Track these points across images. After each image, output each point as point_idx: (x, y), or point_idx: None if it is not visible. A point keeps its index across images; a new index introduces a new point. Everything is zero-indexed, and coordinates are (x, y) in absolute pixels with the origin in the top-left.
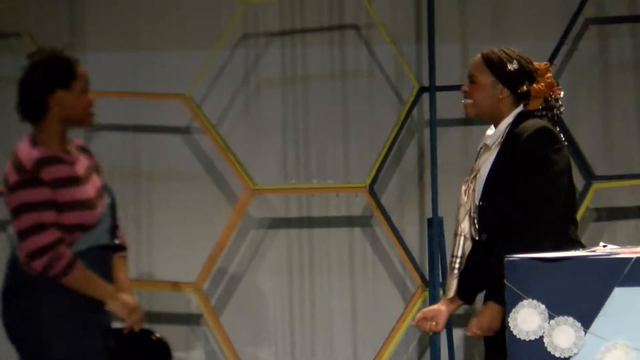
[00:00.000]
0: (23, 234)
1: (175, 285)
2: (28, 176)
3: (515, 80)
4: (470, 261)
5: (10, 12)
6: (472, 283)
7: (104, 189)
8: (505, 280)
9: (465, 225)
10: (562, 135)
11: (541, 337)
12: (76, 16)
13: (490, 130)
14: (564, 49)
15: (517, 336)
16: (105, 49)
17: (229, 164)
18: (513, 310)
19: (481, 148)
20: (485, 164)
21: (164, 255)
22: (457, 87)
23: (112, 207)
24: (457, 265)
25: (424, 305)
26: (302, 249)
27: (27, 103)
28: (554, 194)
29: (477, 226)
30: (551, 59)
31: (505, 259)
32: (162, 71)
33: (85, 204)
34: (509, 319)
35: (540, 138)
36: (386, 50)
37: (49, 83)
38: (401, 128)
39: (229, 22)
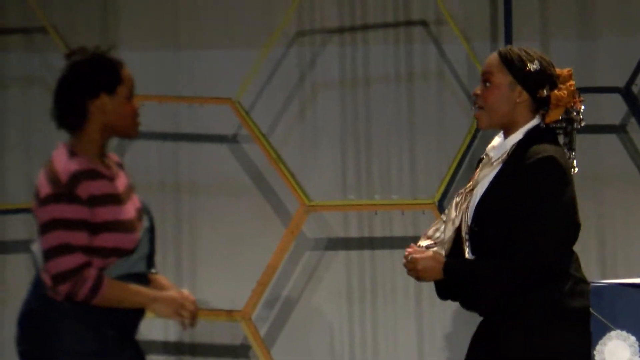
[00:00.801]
0: (48, 254)
1: (221, 314)
2: (62, 190)
3: (536, 82)
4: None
5: (36, 6)
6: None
7: (143, 211)
8: (590, 309)
9: (448, 241)
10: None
11: None
12: (109, 11)
13: (497, 141)
14: None
15: None
16: (141, 48)
17: (280, 177)
18: (600, 341)
19: (482, 159)
20: (483, 181)
21: (207, 279)
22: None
23: (151, 232)
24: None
25: None
26: (363, 273)
27: (65, 108)
28: (555, 228)
29: (469, 248)
30: None
31: (592, 284)
32: (205, 73)
33: (125, 226)
34: (595, 351)
35: (546, 168)
36: (458, 49)
37: (91, 86)
38: (474, 136)
39: (282, 17)
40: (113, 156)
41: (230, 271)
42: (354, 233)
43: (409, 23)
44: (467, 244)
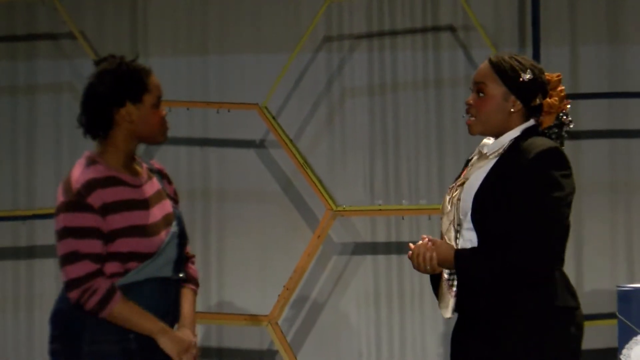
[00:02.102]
0: (61, 261)
1: (248, 318)
2: (74, 199)
3: (529, 92)
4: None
5: (65, 12)
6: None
7: (174, 217)
8: (617, 313)
9: (451, 236)
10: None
11: None
12: (138, 17)
13: (489, 140)
14: None
15: None
16: (169, 54)
17: (308, 183)
18: (626, 345)
19: (474, 156)
20: (477, 173)
21: (235, 284)
22: (566, 97)
23: (180, 237)
24: (455, 283)
25: None
26: (391, 278)
27: (91, 116)
28: (558, 220)
29: (461, 239)
30: None
31: (618, 288)
32: (233, 78)
33: (144, 231)
34: (621, 356)
35: (551, 159)
36: (486, 55)
37: (118, 95)
38: None
39: (310, 23)
40: (153, 163)
41: (257, 276)
42: (381, 238)
43: (437, 29)
44: (456, 235)
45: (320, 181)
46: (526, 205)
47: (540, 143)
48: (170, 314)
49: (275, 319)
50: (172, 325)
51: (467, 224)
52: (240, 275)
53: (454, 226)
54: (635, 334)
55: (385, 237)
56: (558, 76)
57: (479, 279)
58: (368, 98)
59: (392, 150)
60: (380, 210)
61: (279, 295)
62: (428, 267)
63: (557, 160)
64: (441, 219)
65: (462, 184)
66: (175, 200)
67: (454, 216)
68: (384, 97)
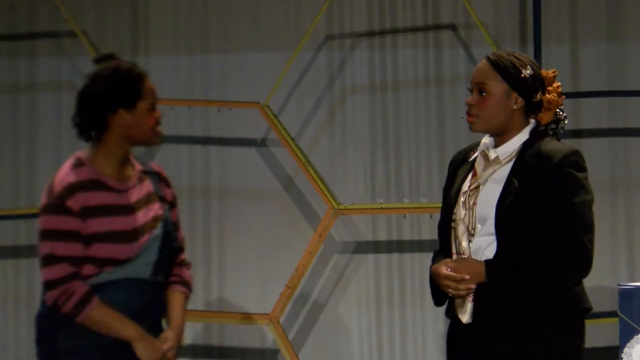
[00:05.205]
0: (40, 262)
1: (249, 317)
2: (54, 201)
3: (531, 87)
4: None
5: (66, 10)
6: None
7: (161, 219)
8: (618, 311)
9: (465, 244)
10: None
11: None
12: (139, 16)
13: (487, 139)
14: None
15: None
16: (170, 52)
17: (309, 181)
18: (628, 344)
19: (465, 158)
20: (493, 177)
21: (236, 282)
22: (567, 95)
23: (164, 240)
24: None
25: None
26: (391, 276)
27: (84, 119)
28: (590, 223)
29: (472, 246)
30: None
31: (619, 287)
32: (234, 77)
33: (123, 236)
34: (622, 355)
35: (576, 162)
36: (487, 53)
37: (111, 102)
38: None
39: (312, 21)
40: (153, 165)
41: (258, 274)
42: (382, 236)
43: (438, 27)
44: (470, 239)
45: (321, 179)
46: (560, 210)
47: (560, 146)
48: (147, 315)
49: (277, 318)
50: (150, 327)
51: (485, 229)
52: (241, 273)
53: (468, 230)
54: (637, 333)
55: (387, 235)
56: (554, 72)
57: (515, 286)
58: (369, 96)
59: (393, 149)
60: (381, 208)
61: (280, 294)
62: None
63: (581, 164)
64: (456, 226)
65: (476, 187)
66: (172, 203)
67: (469, 220)
68: (385, 96)
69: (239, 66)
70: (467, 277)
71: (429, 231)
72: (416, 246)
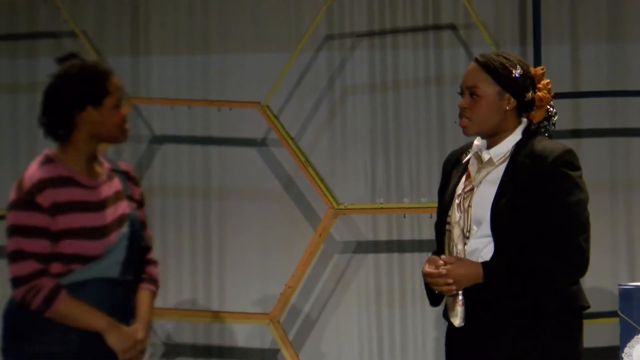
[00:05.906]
0: (8, 259)
1: (249, 317)
2: (24, 197)
3: (522, 87)
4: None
5: (66, 10)
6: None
7: (128, 218)
8: (618, 311)
9: (461, 247)
10: None
11: None
12: (139, 16)
13: (479, 141)
14: None
15: None
16: (171, 52)
17: (309, 181)
18: (628, 344)
19: (458, 160)
20: (487, 178)
21: (236, 282)
22: (567, 95)
23: (131, 239)
24: (460, 290)
25: None
26: (392, 276)
27: (52, 118)
28: (586, 222)
29: (467, 247)
30: None
31: (619, 286)
32: (235, 77)
33: (92, 233)
34: (622, 354)
35: (570, 161)
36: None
37: (78, 99)
38: None
39: (312, 21)
40: (121, 164)
41: (259, 274)
42: (382, 236)
43: (438, 27)
44: (465, 241)
45: (321, 179)
46: (555, 210)
47: (554, 145)
48: (118, 314)
49: (277, 318)
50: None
51: (481, 231)
52: (242, 273)
53: (463, 233)
54: (637, 333)
55: (387, 235)
56: (542, 69)
57: (511, 287)
58: (369, 96)
59: (393, 149)
60: (381, 208)
61: (280, 294)
62: (450, 289)
63: (575, 162)
64: (451, 229)
65: (471, 189)
66: (140, 202)
67: (464, 223)
68: (386, 96)
69: (239, 66)
70: (445, 272)
71: (429, 231)
72: (416, 246)
